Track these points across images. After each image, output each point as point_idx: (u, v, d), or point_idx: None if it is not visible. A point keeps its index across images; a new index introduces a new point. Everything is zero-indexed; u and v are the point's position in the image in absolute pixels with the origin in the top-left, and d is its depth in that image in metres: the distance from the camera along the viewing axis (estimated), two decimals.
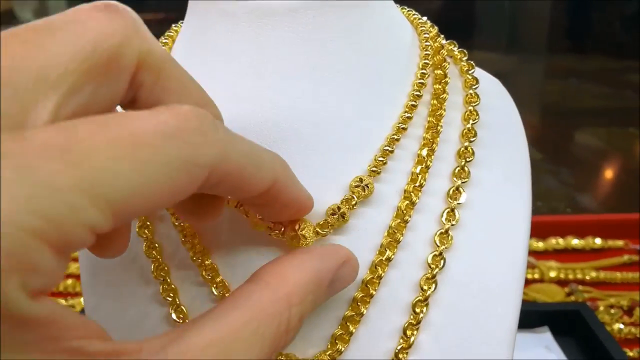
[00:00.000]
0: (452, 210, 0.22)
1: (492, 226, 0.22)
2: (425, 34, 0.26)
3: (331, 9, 0.22)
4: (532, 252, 0.70)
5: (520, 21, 2.26)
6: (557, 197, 0.93)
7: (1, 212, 0.10)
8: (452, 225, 0.21)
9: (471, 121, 0.25)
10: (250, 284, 0.15)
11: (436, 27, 0.28)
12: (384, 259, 0.19)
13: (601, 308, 0.59)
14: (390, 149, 0.21)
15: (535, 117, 1.44)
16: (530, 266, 0.67)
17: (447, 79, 0.26)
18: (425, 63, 0.25)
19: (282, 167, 0.16)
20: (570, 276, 0.65)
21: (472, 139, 0.25)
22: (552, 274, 0.65)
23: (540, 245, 0.71)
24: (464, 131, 0.25)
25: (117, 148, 0.11)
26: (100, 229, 0.11)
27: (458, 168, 0.24)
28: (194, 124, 0.12)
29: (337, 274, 0.16)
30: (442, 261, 0.20)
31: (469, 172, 0.24)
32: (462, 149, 0.25)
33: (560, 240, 0.71)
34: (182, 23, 0.27)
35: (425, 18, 0.28)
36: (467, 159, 0.24)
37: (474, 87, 0.27)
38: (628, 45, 1.98)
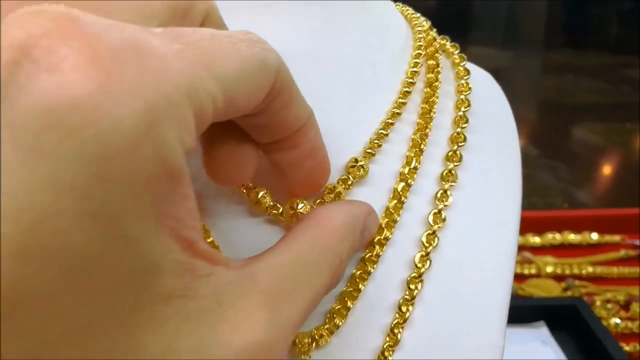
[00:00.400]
0: (445, 191, 0.23)
1: (483, 207, 0.23)
2: (418, 27, 0.28)
3: (331, 2, 0.24)
4: (529, 248, 0.72)
5: (518, 16, 2.29)
6: (554, 193, 0.95)
7: (163, 68, 0.11)
8: (445, 205, 0.22)
9: (463, 109, 0.27)
10: (304, 222, 0.17)
11: (429, 22, 0.30)
12: (382, 238, 0.20)
13: (598, 303, 0.61)
14: (385, 132, 0.22)
15: (532, 113, 1.46)
16: (526, 261, 0.69)
17: (439, 69, 0.27)
18: (418, 53, 0.27)
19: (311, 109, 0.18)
20: (567, 271, 0.67)
21: (463, 125, 0.26)
22: (549, 269, 0.67)
23: (537, 240, 0.72)
24: (456, 118, 0.26)
25: (216, 39, 0.13)
26: (218, 108, 0.12)
27: (450, 152, 0.25)
28: (259, 38, 0.15)
29: (365, 222, 0.19)
30: (435, 239, 0.21)
31: (461, 156, 0.25)
32: (455, 134, 0.26)
33: (557, 236, 0.73)
34: None
35: (419, 14, 0.30)
36: (460, 144, 0.25)
37: (465, 78, 0.28)
38: (625, 40, 2.01)
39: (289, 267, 0.14)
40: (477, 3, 2.31)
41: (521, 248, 0.72)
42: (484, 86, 0.30)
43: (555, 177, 1.01)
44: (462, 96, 0.27)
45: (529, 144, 1.18)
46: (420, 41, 0.27)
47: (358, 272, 0.20)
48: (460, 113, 0.27)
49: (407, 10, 0.30)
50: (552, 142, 1.22)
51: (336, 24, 0.24)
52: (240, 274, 0.13)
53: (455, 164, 0.24)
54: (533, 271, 0.67)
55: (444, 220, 0.22)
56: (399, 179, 0.23)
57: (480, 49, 1.95)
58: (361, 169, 0.21)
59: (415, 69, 0.26)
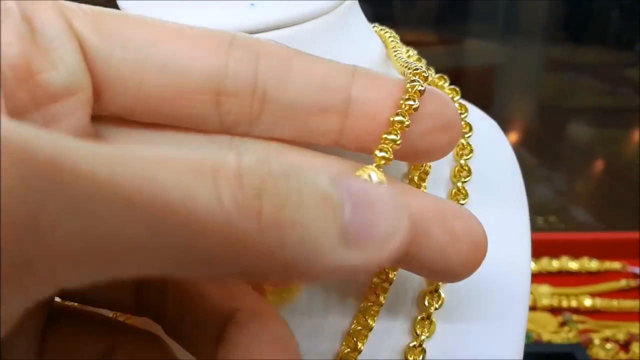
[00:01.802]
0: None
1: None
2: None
3: (293, 45, 0.19)
4: None
5: (517, 9, 2.25)
6: (551, 209, 0.92)
7: None
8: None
9: (462, 180, 0.23)
10: None
11: (423, 61, 0.25)
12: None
13: (596, 341, 0.58)
14: None
15: (529, 114, 1.42)
16: None
17: None
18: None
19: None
20: (564, 303, 0.64)
21: (462, 202, 0.22)
22: (545, 301, 0.63)
23: (533, 267, 0.69)
24: (454, 191, 0.23)
25: None
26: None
27: None
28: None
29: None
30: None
31: None
32: None
33: (555, 262, 0.70)
34: None
35: (414, 53, 0.25)
36: None
37: (466, 136, 0.24)
38: (626, 37, 1.98)
39: None
40: None
41: None
42: (486, 137, 0.26)
43: (553, 189, 0.97)
44: (462, 161, 0.23)
45: (526, 152, 1.15)
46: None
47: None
48: (459, 184, 0.23)
49: (393, 42, 0.25)
50: (549, 149, 1.19)
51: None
52: None
53: None
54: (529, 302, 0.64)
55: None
56: None
57: (478, 42, 1.90)
58: None
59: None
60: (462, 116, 0.25)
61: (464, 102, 0.27)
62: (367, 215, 0.11)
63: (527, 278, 0.23)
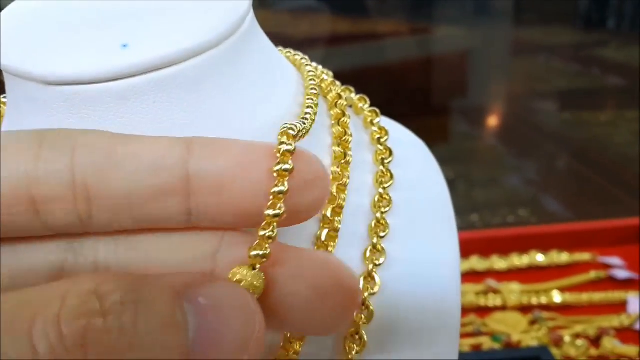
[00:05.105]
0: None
1: None
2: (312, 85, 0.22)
3: (175, 87, 0.18)
4: (494, 273, 0.69)
5: None
6: (521, 200, 0.92)
7: None
8: None
9: (382, 210, 0.22)
10: None
11: (330, 74, 0.25)
12: None
13: (566, 339, 0.58)
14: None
15: (499, 102, 1.43)
16: (491, 291, 0.66)
17: (348, 158, 0.22)
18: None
19: None
20: (534, 299, 0.64)
21: (382, 234, 0.22)
22: (515, 299, 0.63)
23: (502, 265, 0.69)
24: (373, 223, 0.22)
25: None
26: None
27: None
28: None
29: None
30: None
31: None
32: (371, 247, 0.21)
33: (524, 258, 0.70)
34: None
35: (315, 65, 0.25)
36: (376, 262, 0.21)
37: (386, 162, 0.23)
38: (596, 15, 2.00)
39: None
40: None
41: (486, 274, 0.69)
42: (412, 162, 0.25)
43: (523, 179, 0.98)
44: (382, 189, 0.22)
45: (497, 141, 1.15)
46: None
47: None
48: (379, 215, 0.22)
49: (309, 71, 0.24)
50: (519, 137, 1.19)
51: (182, 118, 0.19)
52: None
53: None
54: (498, 302, 0.64)
55: None
56: None
57: (449, 28, 1.91)
58: None
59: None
60: (382, 140, 0.24)
61: (388, 121, 0.26)
62: (214, 329, 0.11)
63: (457, 311, 0.23)
